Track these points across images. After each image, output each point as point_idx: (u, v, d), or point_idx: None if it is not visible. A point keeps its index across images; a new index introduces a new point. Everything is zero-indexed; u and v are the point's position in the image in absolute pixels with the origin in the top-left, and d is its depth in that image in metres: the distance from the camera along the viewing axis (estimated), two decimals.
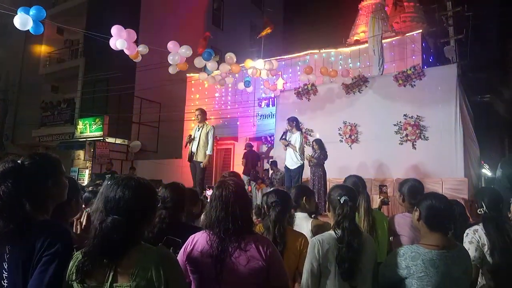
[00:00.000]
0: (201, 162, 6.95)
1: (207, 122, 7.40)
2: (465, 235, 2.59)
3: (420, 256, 1.96)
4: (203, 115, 7.28)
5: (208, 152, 6.99)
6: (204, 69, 9.03)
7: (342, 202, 2.19)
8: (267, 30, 11.30)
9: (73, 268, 1.45)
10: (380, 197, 3.70)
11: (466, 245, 2.50)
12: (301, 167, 7.25)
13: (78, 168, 15.38)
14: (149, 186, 1.62)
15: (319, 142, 7.72)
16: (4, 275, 1.47)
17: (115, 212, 1.48)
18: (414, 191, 2.95)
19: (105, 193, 1.54)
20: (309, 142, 9.93)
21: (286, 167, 7.48)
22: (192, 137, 7.12)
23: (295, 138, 7.24)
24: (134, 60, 8.03)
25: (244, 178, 9.60)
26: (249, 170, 9.99)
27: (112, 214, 1.48)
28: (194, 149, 7.03)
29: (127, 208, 1.49)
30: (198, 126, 7.22)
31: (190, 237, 1.93)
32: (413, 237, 2.82)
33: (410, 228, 2.85)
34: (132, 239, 1.49)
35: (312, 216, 3.04)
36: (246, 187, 9.67)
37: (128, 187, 1.53)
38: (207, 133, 7.05)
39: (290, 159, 7.28)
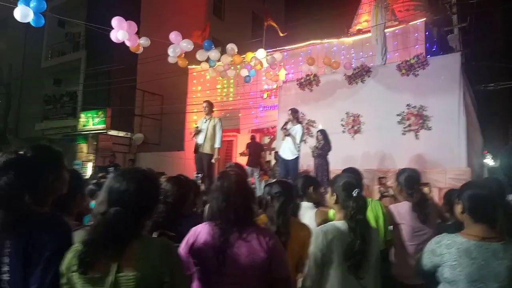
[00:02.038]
0: (208, 154, 7.00)
1: (213, 115, 7.41)
2: None
3: (456, 245, 1.90)
4: (210, 107, 7.30)
5: (217, 145, 7.05)
6: (207, 60, 8.99)
7: (355, 195, 2.18)
8: (273, 23, 11.27)
9: (73, 260, 1.43)
10: (379, 190, 3.70)
11: None
12: (298, 158, 7.29)
13: (81, 161, 15.46)
14: (154, 180, 1.63)
15: (323, 132, 7.71)
16: (5, 268, 1.46)
17: (119, 204, 1.48)
18: (411, 181, 2.98)
19: (109, 184, 1.54)
20: (311, 133, 9.93)
21: (281, 158, 7.47)
22: (199, 128, 7.13)
23: (296, 130, 7.23)
24: (135, 52, 8.00)
25: (247, 169, 9.60)
26: (251, 161, 9.98)
27: (116, 205, 1.47)
28: (200, 141, 7.06)
29: (131, 201, 1.49)
30: (206, 118, 7.24)
31: (193, 229, 1.93)
32: (413, 225, 2.84)
33: (410, 216, 2.87)
34: (134, 231, 1.49)
35: (315, 206, 3.05)
36: (249, 178, 9.67)
37: (134, 180, 1.53)
38: (215, 126, 7.09)
39: (288, 150, 7.27)
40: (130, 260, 1.44)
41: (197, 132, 7.11)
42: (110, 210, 1.46)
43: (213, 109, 7.54)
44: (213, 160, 7.02)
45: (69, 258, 1.44)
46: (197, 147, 7.14)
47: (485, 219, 1.92)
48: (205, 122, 7.17)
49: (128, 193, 1.49)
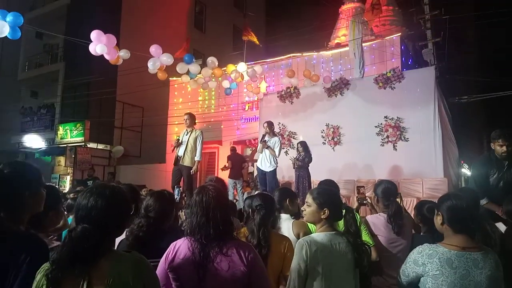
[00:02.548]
0: (188, 167, 6.88)
1: (195, 127, 7.32)
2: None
3: (437, 254, 1.92)
4: (191, 120, 7.19)
5: (197, 158, 6.92)
6: (187, 72, 9.01)
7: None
8: (253, 38, 11.41)
9: (43, 279, 1.39)
10: (357, 198, 3.77)
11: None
12: (276, 170, 7.42)
13: (59, 175, 15.09)
14: (123, 195, 1.60)
15: (304, 144, 7.80)
16: None
17: (87, 221, 1.46)
18: (387, 193, 3.03)
19: (77, 201, 1.52)
20: (292, 144, 10.04)
21: (260, 170, 7.56)
22: (180, 141, 7.03)
23: (274, 142, 7.38)
24: (115, 64, 7.95)
25: (230, 182, 9.57)
26: (234, 173, 9.92)
27: (83, 222, 1.46)
28: (181, 153, 6.94)
29: (99, 217, 1.47)
30: (187, 130, 7.13)
31: (172, 244, 1.92)
32: (388, 236, 2.90)
33: (385, 228, 2.93)
34: (103, 248, 1.46)
35: (292, 217, 3.09)
36: (232, 191, 9.62)
37: (101, 196, 1.51)
38: (196, 138, 6.97)
39: (267, 162, 7.38)
40: (101, 277, 1.40)
41: (178, 144, 7.00)
42: (77, 228, 1.44)
43: (195, 121, 7.45)
44: (191, 172, 6.91)
45: (38, 279, 1.41)
46: (177, 160, 7.04)
47: (464, 230, 1.97)
48: (186, 134, 7.06)
49: (96, 209, 1.47)
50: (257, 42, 11.88)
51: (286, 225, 2.92)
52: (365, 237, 2.90)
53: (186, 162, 6.89)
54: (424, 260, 1.95)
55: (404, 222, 2.94)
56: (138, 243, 2.22)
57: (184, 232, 1.96)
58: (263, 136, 7.52)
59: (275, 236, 2.57)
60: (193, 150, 6.93)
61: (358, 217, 3.03)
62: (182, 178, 7.00)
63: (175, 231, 2.58)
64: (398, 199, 3.13)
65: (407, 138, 8.87)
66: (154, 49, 7.84)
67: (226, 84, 10.28)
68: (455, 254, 1.90)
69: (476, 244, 1.97)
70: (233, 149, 10.82)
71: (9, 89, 18.32)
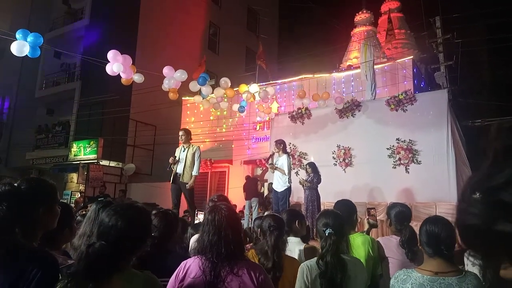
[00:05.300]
0: (187, 184, 6.72)
1: (191, 143, 7.13)
2: (466, 254, 2.54)
3: (410, 280, 1.92)
4: (187, 136, 7.02)
5: (194, 173, 6.75)
6: (199, 92, 9.14)
7: (326, 234, 2.23)
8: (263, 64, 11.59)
9: None
10: (368, 221, 3.69)
11: (469, 267, 2.45)
12: (288, 189, 7.21)
13: (71, 191, 15.23)
14: (145, 219, 1.66)
15: (312, 165, 7.74)
16: None
17: (105, 238, 1.50)
18: (401, 217, 2.95)
19: (101, 216, 1.57)
20: (303, 165, 9.99)
21: (273, 190, 7.50)
22: (177, 158, 6.86)
23: (282, 161, 7.23)
24: (126, 85, 8.11)
25: (246, 204, 9.75)
26: (248, 194, 9.91)
27: (102, 239, 1.50)
28: (180, 171, 6.77)
29: (117, 237, 1.52)
30: (183, 146, 6.96)
31: (182, 263, 1.92)
32: (401, 260, 2.81)
33: (397, 250, 2.85)
34: (118, 266, 1.50)
35: (303, 242, 3.03)
36: (248, 214, 9.62)
37: (123, 216, 1.56)
38: (194, 154, 6.83)
39: (277, 181, 7.28)
40: None
41: (175, 162, 6.82)
42: (95, 244, 1.49)
43: (191, 137, 7.21)
44: (187, 186, 6.70)
45: None
46: (175, 177, 6.85)
47: (437, 254, 1.96)
48: (184, 151, 6.88)
49: (115, 229, 1.52)
50: (269, 72, 12.02)
51: (298, 250, 2.85)
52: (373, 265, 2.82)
53: (186, 179, 6.72)
54: (399, 286, 1.94)
55: (418, 249, 2.84)
56: (141, 262, 2.22)
57: (195, 251, 1.95)
58: (269, 157, 7.47)
59: (287, 258, 2.53)
60: (192, 166, 6.77)
61: (367, 242, 2.92)
62: (182, 196, 6.93)
63: (180, 251, 2.59)
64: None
65: (420, 161, 8.77)
66: (167, 70, 7.99)
67: (235, 107, 10.37)
68: (428, 279, 1.89)
69: (452, 268, 1.94)
70: (247, 178, 10.86)
71: (26, 106, 18.79)
